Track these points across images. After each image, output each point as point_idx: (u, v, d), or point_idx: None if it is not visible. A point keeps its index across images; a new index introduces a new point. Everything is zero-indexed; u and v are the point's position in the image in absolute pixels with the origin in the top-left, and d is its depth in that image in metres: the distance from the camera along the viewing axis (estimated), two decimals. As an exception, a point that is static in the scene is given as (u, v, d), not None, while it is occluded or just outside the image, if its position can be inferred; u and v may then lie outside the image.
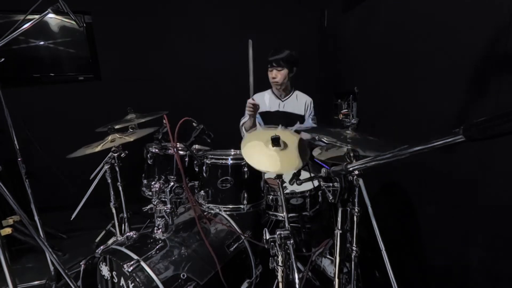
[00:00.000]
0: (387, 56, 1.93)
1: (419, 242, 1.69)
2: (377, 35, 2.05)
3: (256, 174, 1.58)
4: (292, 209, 1.69)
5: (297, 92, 2.28)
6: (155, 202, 1.43)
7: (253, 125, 2.12)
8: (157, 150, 1.76)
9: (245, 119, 2.15)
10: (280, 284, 1.12)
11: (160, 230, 1.41)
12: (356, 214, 1.14)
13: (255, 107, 1.99)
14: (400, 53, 1.80)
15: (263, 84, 2.33)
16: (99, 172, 2.30)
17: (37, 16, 1.41)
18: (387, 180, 2.00)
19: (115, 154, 1.91)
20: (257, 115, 2.21)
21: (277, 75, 2.10)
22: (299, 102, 2.25)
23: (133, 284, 1.21)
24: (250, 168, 1.51)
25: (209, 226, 1.58)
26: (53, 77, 2.76)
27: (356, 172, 0.93)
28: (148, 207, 1.47)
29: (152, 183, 1.47)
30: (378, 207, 1.35)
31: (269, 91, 2.28)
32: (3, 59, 1.72)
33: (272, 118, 2.22)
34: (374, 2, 2.10)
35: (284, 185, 1.62)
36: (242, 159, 1.48)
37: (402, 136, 1.74)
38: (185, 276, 1.27)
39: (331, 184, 0.89)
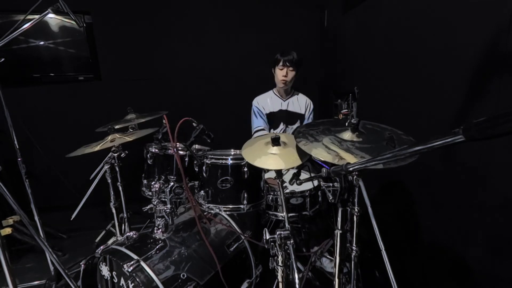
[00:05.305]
0: (387, 56, 1.93)
1: (419, 242, 1.69)
2: (378, 35, 2.05)
3: (256, 174, 1.58)
4: (292, 209, 1.69)
5: (297, 93, 2.35)
6: (155, 202, 1.43)
7: None
8: (157, 150, 1.76)
9: (263, 132, 2.23)
10: (280, 284, 1.12)
11: (160, 230, 1.41)
12: (356, 214, 1.14)
13: None
14: (400, 53, 1.80)
15: (264, 85, 2.34)
16: (99, 172, 2.30)
17: (37, 16, 1.41)
18: (387, 180, 2.00)
19: (115, 154, 1.91)
20: (264, 117, 2.26)
21: (289, 74, 2.17)
22: (299, 102, 2.32)
23: (133, 284, 1.21)
24: (250, 168, 1.52)
25: (209, 226, 1.58)
26: (53, 77, 2.75)
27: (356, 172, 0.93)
28: (148, 207, 1.46)
29: (152, 183, 1.47)
30: (378, 207, 1.35)
31: (270, 92, 2.32)
32: (3, 59, 1.72)
33: (275, 118, 2.29)
34: (374, 2, 2.10)
35: (284, 185, 1.63)
36: (242, 159, 1.49)
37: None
38: (185, 276, 1.27)
39: (331, 184, 0.89)
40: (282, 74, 2.16)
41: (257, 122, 2.28)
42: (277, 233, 1.07)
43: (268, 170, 1.83)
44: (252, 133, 2.31)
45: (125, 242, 1.35)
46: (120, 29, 2.81)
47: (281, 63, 2.15)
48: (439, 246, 1.53)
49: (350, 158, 0.97)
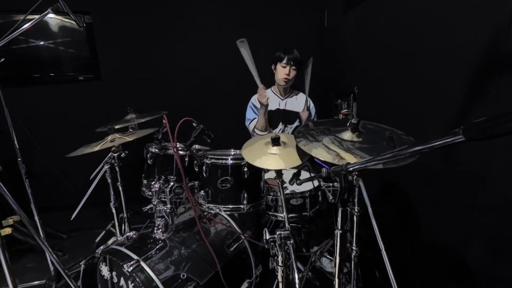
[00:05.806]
0: (387, 56, 1.93)
1: (419, 242, 1.69)
2: (378, 35, 2.05)
3: (256, 174, 1.58)
4: (292, 209, 1.69)
5: (297, 92, 2.34)
6: (155, 202, 1.43)
7: (266, 123, 2.18)
8: (157, 150, 1.76)
9: (255, 121, 2.20)
10: (280, 284, 1.12)
11: (160, 230, 1.41)
12: (356, 214, 1.14)
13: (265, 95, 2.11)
14: (400, 53, 1.80)
15: (263, 85, 2.33)
16: (99, 172, 2.30)
17: (37, 16, 1.41)
18: (387, 180, 2.00)
19: (115, 154, 1.91)
20: (258, 114, 2.24)
21: (291, 73, 2.15)
22: (298, 101, 2.30)
23: (133, 284, 1.21)
24: (250, 168, 1.52)
25: (209, 226, 1.58)
26: (53, 77, 2.76)
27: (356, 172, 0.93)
28: (148, 207, 1.47)
29: (152, 183, 1.47)
30: (378, 207, 1.35)
31: (268, 90, 2.29)
32: (3, 59, 1.72)
33: (273, 117, 2.25)
34: (374, 2, 2.10)
35: (284, 185, 1.63)
36: (242, 159, 1.49)
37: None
38: (185, 276, 1.27)
39: (331, 184, 0.89)
40: (284, 72, 2.14)
41: (252, 114, 2.27)
42: (277, 233, 1.07)
43: (268, 170, 1.83)
44: (247, 124, 2.29)
45: (125, 242, 1.35)
46: (120, 29, 2.81)
47: (284, 61, 2.13)
48: (439, 246, 1.53)
49: (350, 158, 0.97)
